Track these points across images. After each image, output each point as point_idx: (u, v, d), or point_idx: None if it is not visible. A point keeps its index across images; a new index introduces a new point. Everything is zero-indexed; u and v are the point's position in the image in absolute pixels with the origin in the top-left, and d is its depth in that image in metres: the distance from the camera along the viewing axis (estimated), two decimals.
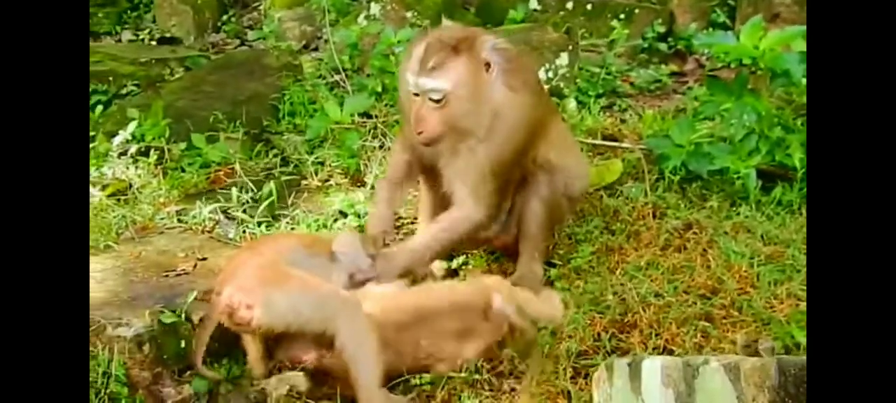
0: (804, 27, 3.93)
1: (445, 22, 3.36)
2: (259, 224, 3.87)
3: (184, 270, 3.52)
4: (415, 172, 3.60)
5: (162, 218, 4.00)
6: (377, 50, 5.29)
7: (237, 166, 4.41)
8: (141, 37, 7.13)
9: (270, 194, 4.08)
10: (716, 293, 3.33)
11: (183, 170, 4.44)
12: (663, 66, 5.98)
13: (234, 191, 4.13)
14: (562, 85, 5.37)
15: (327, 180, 4.45)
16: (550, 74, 5.35)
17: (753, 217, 3.81)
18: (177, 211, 4.03)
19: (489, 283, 3.26)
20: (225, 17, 7.37)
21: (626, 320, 3.22)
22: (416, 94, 3.24)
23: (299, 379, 3.07)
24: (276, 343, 3.12)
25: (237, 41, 7.05)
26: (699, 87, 5.42)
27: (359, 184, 4.37)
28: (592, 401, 2.82)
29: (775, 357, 2.46)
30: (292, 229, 3.85)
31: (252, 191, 4.18)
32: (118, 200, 4.14)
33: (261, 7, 7.47)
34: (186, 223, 3.96)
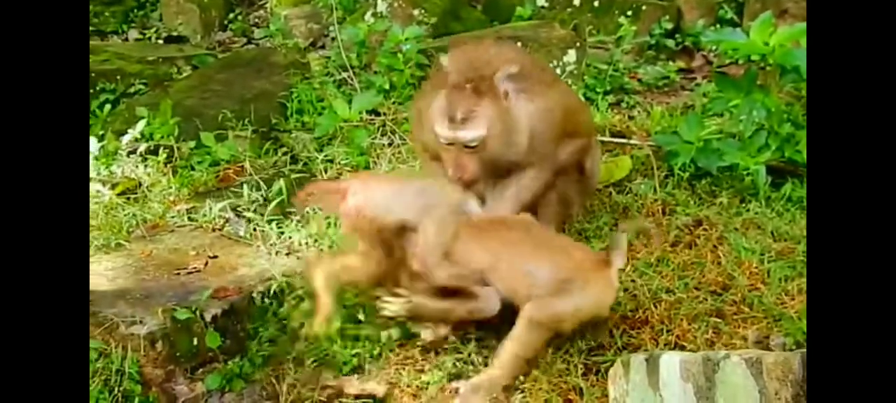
0: None
1: (442, 59, 3.42)
2: (269, 221, 3.88)
3: (195, 268, 3.54)
4: None
5: (172, 217, 4.01)
6: (385, 47, 5.29)
7: (246, 164, 4.42)
8: (147, 35, 7.13)
9: (280, 192, 4.08)
10: (726, 289, 3.34)
11: (192, 169, 4.45)
12: (671, 63, 5.96)
13: (245, 188, 4.14)
14: (569, 82, 5.36)
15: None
16: (558, 71, 5.34)
17: (763, 213, 3.81)
18: (187, 210, 4.04)
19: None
20: (231, 16, 7.35)
21: (636, 316, 3.23)
22: (450, 143, 3.30)
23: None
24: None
25: (244, 39, 7.04)
26: (707, 84, 5.41)
27: None
28: (608, 397, 2.83)
29: (799, 351, 2.46)
30: (302, 227, 3.86)
31: (262, 188, 4.18)
32: (128, 199, 4.15)
33: (267, 5, 7.46)
34: (197, 221, 3.97)
